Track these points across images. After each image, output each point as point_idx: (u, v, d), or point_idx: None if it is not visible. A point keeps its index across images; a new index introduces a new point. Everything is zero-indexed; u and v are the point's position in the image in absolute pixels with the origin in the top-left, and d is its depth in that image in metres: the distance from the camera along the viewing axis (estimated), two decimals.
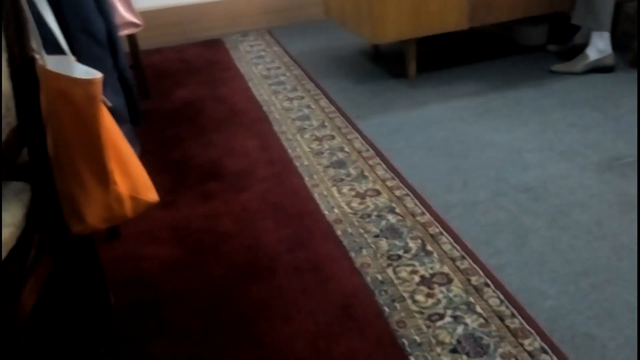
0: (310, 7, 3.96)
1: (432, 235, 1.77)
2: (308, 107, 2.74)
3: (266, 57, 3.43)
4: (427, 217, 1.86)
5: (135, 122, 1.85)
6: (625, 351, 1.34)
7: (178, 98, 2.96)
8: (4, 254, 1.09)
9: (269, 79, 3.11)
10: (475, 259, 1.66)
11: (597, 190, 1.95)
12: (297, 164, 2.25)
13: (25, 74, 1.20)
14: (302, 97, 2.85)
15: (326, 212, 1.93)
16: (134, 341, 1.48)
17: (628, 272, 1.57)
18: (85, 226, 1.29)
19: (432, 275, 1.61)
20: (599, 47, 2.76)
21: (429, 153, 2.27)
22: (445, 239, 1.75)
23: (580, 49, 2.90)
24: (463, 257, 1.66)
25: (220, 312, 1.55)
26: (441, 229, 1.79)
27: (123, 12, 2.24)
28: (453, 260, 1.66)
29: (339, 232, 1.82)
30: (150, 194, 1.37)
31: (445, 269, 1.62)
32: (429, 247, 1.72)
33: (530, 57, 3.08)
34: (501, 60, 3.09)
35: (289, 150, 2.35)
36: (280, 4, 3.96)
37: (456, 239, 1.75)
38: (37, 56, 1.22)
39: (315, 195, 2.03)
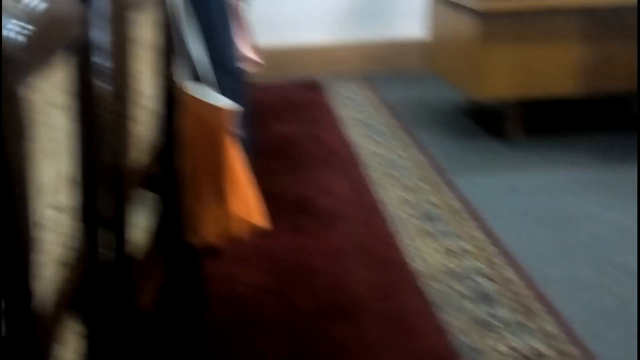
0: (409, 57, 4.05)
1: (529, 309, 1.73)
2: (401, 156, 2.79)
3: (362, 103, 3.54)
4: (525, 288, 1.82)
5: (250, 152, 1.97)
6: None
7: (275, 133, 3.09)
8: (138, 253, 1.21)
9: (363, 124, 3.19)
10: (577, 342, 1.59)
11: None
12: (386, 210, 2.29)
13: (169, 97, 1.37)
14: (395, 146, 2.91)
15: (414, 264, 1.96)
16: (221, 358, 1.55)
17: None
18: (199, 238, 1.46)
19: (525, 348, 1.58)
20: None
21: (530, 221, 2.24)
22: (544, 316, 1.70)
23: None
24: (563, 338, 1.60)
25: (304, 345, 1.61)
26: (540, 305, 1.74)
27: (244, 49, 2.39)
28: (551, 339, 1.61)
29: (426, 287, 1.84)
30: (260, 219, 1.53)
31: (542, 348, 1.58)
32: (526, 321, 1.68)
33: None
34: (615, 134, 2.95)
35: (379, 196, 2.40)
36: (379, 52, 4.08)
37: (556, 316, 1.69)
38: (181, 82, 1.39)
39: (404, 245, 2.07)
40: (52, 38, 0.74)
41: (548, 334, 1.63)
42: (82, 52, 0.87)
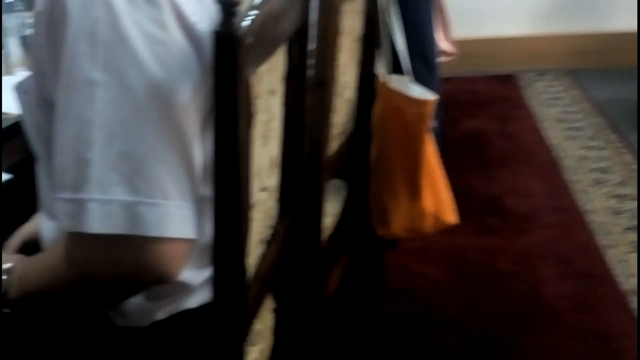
0: (622, 52, 3.69)
1: None
2: (608, 159, 2.56)
3: (563, 100, 3.30)
4: None
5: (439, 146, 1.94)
6: None
7: (464, 128, 3.00)
8: (324, 237, 1.23)
9: (564, 123, 2.98)
10: None
11: None
12: (589, 218, 2.12)
13: (368, 88, 1.38)
14: (602, 148, 2.67)
15: (621, 279, 1.79)
16: (402, 353, 1.56)
17: None
18: (388, 231, 1.43)
19: None
20: None
21: None
22: None
23: None
24: None
25: (487, 348, 1.56)
26: None
27: (441, 41, 2.35)
28: None
29: (634, 305, 1.66)
30: (451, 216, 1.47)
31: None
32: None
33: None
34: None
35: (581, 202, 2.23)
36: (587, 45, 3.76)
37: None
38: (381, 73, 1.38)
39: (609, 258, 1.90)
40: (275, 26, 0.76)
41: None
42: (299, 41, 0.89)
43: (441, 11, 2.39)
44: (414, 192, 1.39)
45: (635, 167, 2.47)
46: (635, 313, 1.64)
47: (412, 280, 1.83)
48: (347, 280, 1.48)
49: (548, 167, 2.55)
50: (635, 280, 1.78)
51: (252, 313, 0.86)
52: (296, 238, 1.00)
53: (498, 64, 3.87)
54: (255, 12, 0.66)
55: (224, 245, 0.72)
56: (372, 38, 1.36)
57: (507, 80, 3.69)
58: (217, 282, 0.74)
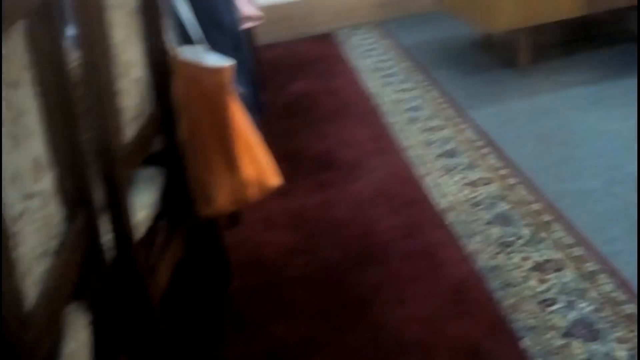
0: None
1: (544, 223, 1.77)
2: (419, 98, 2.78)
3: (377, 50, 3.50)
4: (540, 205, 1.86)
5: (257, 112, 1.98)
6: None
7: (291, 91, 3.11)
8: (140, 233, 1.18)
9: (380, 71, 3.18)
10: (589, 246, 1.64)
11: None
12: (409, 154, 2.31)
13: (160, 63, 1.28)
14: (414, 89, 2.89)
15: (437, 201, 1.98)
16: (255, 321, 1.60)
17: None
18: (214, 208, 1.40)
19: (545, 261, 1.61)
20: None
21: (541, 142, 2.24)
22: (558, 226, 1.74)
23: None
24: (576, 245, 1.65)
25: (336, 295, 1.64)
26: (554, 217, 1.78)
27: (244, 6, 2.37)
28: (566, 247, 1.65)
29: (450, 220, 1.87)
30: (274, 179, 1.47)
31: (558, 256, 1.63)
32: (541, 234, 1.72)
33: None
34: (617, 48, 2.96)
35: (400, 141, 2.42)
36: None
37: (569, 226, 1.73)
38: (171, 46, 1.30)
39: (427, 184, 2.09)
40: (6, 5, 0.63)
41: (561, 243, 1.67)
42: (43, 19, 0.75)
43: None
44: (232, 163, 1.37)
45: (441, 100, 2.73)
46: (454, 226, 1.85)
47: (259, 250, 1.88)
48: (184, 268, 1.44)
49: (370, 115, 2.72)
50: (449, 198, 2.00)
51: (45, 336, 0.73)
52: (97, 240, 0.92)
53: (314, 24, 4.00)
54: None
55: None
56: (152, 10, 1.24)
57: (325, 39, 3.84)
58: None
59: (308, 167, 2.35)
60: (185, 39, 1.38)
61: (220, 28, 1.68)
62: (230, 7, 1.76)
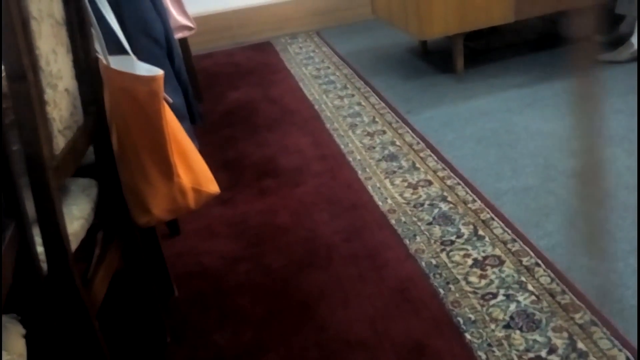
0: (357, 8, 4.05)
1: (483, 221, 1.83)
2: (358, 104, 2.83)
3: (315, 58, 3.54)
4: (479, 203, 1.92)
5: (192, 121, 1.97)
6: None
7: (230, 100, 3.10)
8: (74, 245, 1.17)
9: (319, 79, 3.21)
10: (526, 241, 1.71)
11: None
12: (350, 158, 2.34)
13: (90, 74, 1.28)
14: (353, 95, 2.94)
15: (380, 203, 2.01)
16: (198, 330, 1.58)
17: None
18: (150, 218, 1.38)
19: (485, 257, 1.67)
20: None
21: (479, 144, 2.32)
22: (496, 223, 1.80)
23: (625, 38, 2.91)
24: (514, 240, 1.72)
25: (280, 300, 1.65)
26: (492, 215, 1.85)
27: (177, 16, 2.36)
28: (504, 243, 1.71)
29: (392, 222, 1.90)
30: (212, 186, 1.45)
31: (497, 252, 1.68)
32: (480, 232, 1.78)
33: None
34: (547, 52, 3.11)
35: (342, 146, 2.45)
36: (327, 6, 4.07)
37: (507, 223, 1.80)
38: (100, 56, 1.30)
39: (369, 188, 2.12)
40: None
41: (499, 239, 1.73)
42: None
43: None
44: (167, 171, 1.35)
45: (380, 106, 2.78)
46: (396, 227, 1.88)
47: (200, 259, 1.86)
48: (124, 279, 1.43)
49: (311, 121, 2.74)
50: (391, 201, 2.04)
51: None
52: (30, 252, 0.91)
53: (252, 33, 4.02)
54: None
55: None
56: (80, 21, 1.24)
57: (264, 48, 3.86)
58: None
59: (249, 175, 2.35)
60: (115, 49, 1.36)
61: (150, 37, 1.69)
62: (160, 17, 1.76)
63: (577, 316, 1.42)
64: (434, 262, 1.68)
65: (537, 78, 2.83)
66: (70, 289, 1.07)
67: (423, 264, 1.68)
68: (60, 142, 1.14)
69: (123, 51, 1.35)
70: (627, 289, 1.51)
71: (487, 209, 1.88)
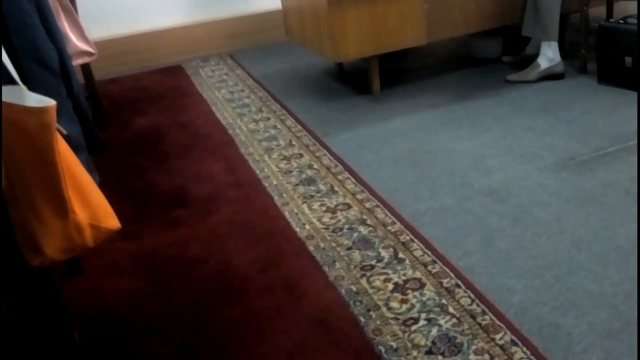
0: (271, 30, 4.04)
1: (403, 243, 1.81)
2: (274, 127, 2.79)
3: (229, 81, 3.48)
4: (398, 226, 1.91)
5: (93, 152, 1.87)
6: (589, 336, 1.41)
7: (138, 127, 2.99)
8: None
9: (233, 102, 3.16)
10: (446, 262, 1.71)
11: (555, 188, 2.05)
12: (266, 184, 2.29)
13: None
14: (268, 118, 2.90)
15: (297, 229, 1.97)
16: None
17: (587, 262, 1.67)
18: (44, 258, 1.28)
19: (405, 281, 1.65)
20: (549, 56, 2.97)
21: (396, 164, 2.33)
22: (416, 245, 1.80)
23: (532, 58, 3.08)
24: (434, 262, 1.71)
25: (192, 339, 1.56)
26: (412, 237, 1.84)
27: (76, 41, 2.26)
28: (425, 265, 1.70)
29: (311, 248, 1.86)
30: (112, 221, 1.38)
31: (418, 274, 1.67)
32: (401, 255, 1.76)
33: (486, 69, 3.25)
34: (460, 73, 3.23)
35: (257, 172, 2.39)
36: (240, 28, 4.03)
37: (427, 244, 1.80)
38: None
39: (286, 214, 2.07)
40: None
41: (419, 261, 1.72)
42: None
43: (69, 12, 2.31)
44: (62, 207, 1.27)
45: (297, 129, 2.75)
46: (315, 254, 1.83)
47: (104, 299, 1.75)
48: (13, 327, 1.33)
49: (225, 146, 2.67)
50: (309, 226, 2.00)
51: None
52: None
53: (161, 57, 3.92)
54: None
55: None
56: None
57: (174, 71, 3.76)
58: None
59: (158, 205, 2.25)
60: (4, 79, 1.28)
61: (42, 65, 1.61)
62: (54, 43, 1.68)
63: (497, 337, 1.42)
64: (354, 288, 1.65)
65: (451, 98, 2.90)
66: None
67: (343, 291, 1.64)
68: None
69: (11, 81, 1.27)
70: (544, 305, 1.53)
71: (407, 231, 1.87)
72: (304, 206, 2.10)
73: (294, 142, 2.60)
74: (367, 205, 2.05)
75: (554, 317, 1.49)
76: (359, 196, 2.11)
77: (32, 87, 1.31)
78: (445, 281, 1.62)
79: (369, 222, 1.95)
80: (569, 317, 1.48)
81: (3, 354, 1.29)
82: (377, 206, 2.03)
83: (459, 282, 1.61)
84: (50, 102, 1.25)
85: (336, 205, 2.07)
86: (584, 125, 2.49)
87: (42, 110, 1.23)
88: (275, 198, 2.18)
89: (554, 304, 1.53)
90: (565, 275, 1.63)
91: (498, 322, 1.46)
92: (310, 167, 2.37)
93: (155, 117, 3.08)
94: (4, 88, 1.26)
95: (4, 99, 1.23)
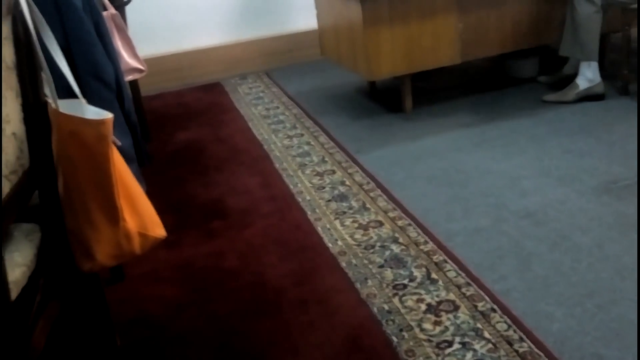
0: (306, 49, 4.05)
1: (436, 263, 1.79)
2: (308, 143, 2.78)
3: (265, 98, 3.50)
4: (431, 245, 1.88)
5: (141, 163, 1.89)
6: None
7: (179, 140, 3.01)
8: (15, 293, 1.11)
9: (269, 119, 3.16)
10: (481, 285, 1.67)
11: (596, 213, 1.98)
12: (299, 199, 2.28)
13: (38, 118, 1.26)
14: (302, 135, 2.90)
15: (330, 245, 1.95)
16: None
17: (632, 291, 1.60)
18: (94, 264, 1.32)
19: (439, 302, 1.62)
20: (588, 76, 2.86)
21: (429, 183, 2.30)
22: (449, 266, 1.77)
23: (570, 79, 2.98)
24: (468, 284, 1.68)
25: (227, 350, 1.56)
26: (445, 257, 1.81)
27: (127, 59, 2.30)
28: (458, 287, 1.67)
29: (343, 264, 1.84)
30: (158, 230, 1.40)
31: (452, 296, 1.64)
32: (434, 275, 1.73)
33: (522, 89, 3.17)
34: (495, 93, 3.17)
35: (291, 187, 2.39)
36: (276, 47, 4.05)
37: (460, 266, 1.77)
38: (49, 100, 1.28)
39: (319, 229, 2.05)
40: None
41: (453, 283, 1.69)
42: None
43: (122, 31, 2.35)
44: (113, 216, 1.30)
45: (330, 145, 2.75)
46: (347, 270, 1.81)
47: (144, 306, 1.76)
48: (63, 328, 1.34)
49: (260, 161, 2.68)
50: (341, 242, 1.98)
51: None
52: None
53: (202, 74, 3.96)
54: None
55: None
56: (30, 65, 1.23)
57: (213, 89, 3.79)
58: None
59: (197, 217, 2.26)
60: (65, 92, 1.32)
61: (100, 81, 1.66)
62: (111, 60, 1.74)
63: None
64: (386, 307, 1.62)
65: (485, 118, 2.86)
66: (9, 338, 1.01)
67: (375, 309, 1.62)
68: (5, 187, 1.11)
69: (73, 95, 1.32)
70: (586, 335, 1.47)
71: (440, 251, 1.84)
72: (337, 222, 2.08)
73: (326, 159, 2.59)
74: (399, 223, 2.03)
75: (596, 347, 1.43)
76: (390, 214, 2.09)
77: (91, 101, 1.36)
78: (480, 304, 1.59)
79: (401, 240, 1.93)
80: (613, 349, 1.42)
81: (52, 354, 1.30)
82: (410, 224, 2.01)
83: (495, 307, 1.58)
84: (108, 115, 1.30)
85: (368, 222, 2.05)
86: (626, 148, 2.40)
87: (100, 123, 1.27)
88: (309, 213, 2.17)
89: (596, 334, 1.47)
90: (608, 304, 1.56)
91: (537, 350, 1.41)
92: (342, 183, 2.36)
93: (195, 132, 3.10)
94: (66, 101, 1.31)
95: (65, 111, 1.27)
